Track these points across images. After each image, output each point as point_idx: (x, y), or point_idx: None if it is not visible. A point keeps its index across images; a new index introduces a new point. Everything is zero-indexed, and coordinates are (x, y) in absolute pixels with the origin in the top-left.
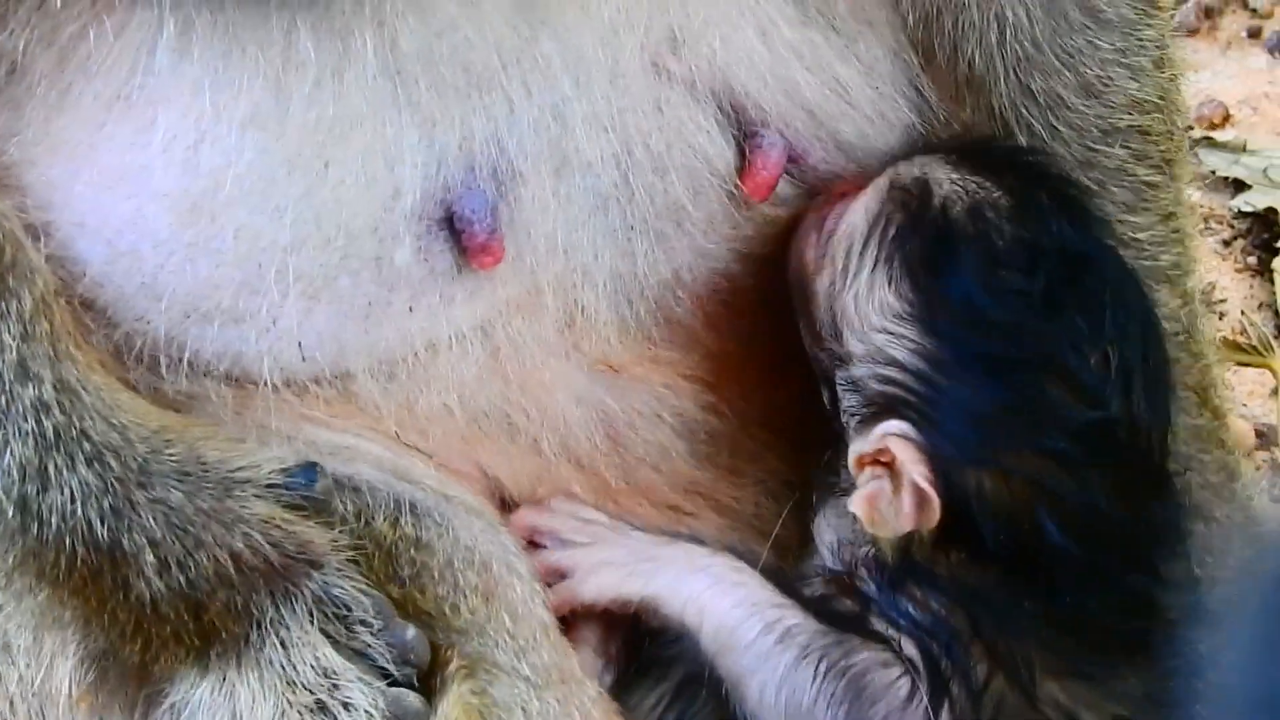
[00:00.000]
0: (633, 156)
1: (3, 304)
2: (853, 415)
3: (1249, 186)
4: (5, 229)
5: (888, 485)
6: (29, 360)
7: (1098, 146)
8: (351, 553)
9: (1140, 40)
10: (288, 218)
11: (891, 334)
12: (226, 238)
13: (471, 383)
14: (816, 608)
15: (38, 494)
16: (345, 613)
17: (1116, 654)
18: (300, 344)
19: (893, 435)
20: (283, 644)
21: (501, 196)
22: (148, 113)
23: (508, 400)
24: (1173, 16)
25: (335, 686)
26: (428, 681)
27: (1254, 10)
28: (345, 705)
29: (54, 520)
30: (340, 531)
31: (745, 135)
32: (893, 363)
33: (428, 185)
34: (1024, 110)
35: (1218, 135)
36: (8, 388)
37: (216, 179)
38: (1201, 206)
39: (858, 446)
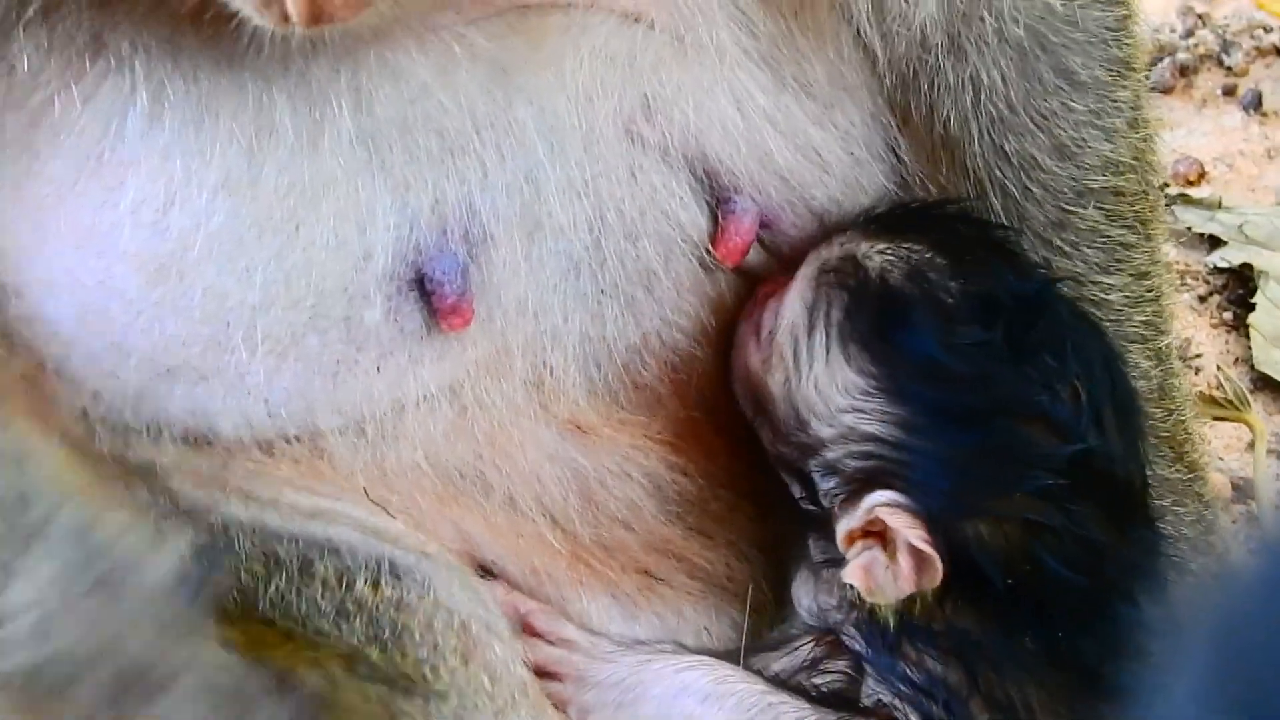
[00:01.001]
0: (605, 222)
1: None
2: (834, 496)
3: (1224, 243)
4: None
5: (880, 554)
6: None
7: (1071, 208)
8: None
9: (1114, 101)
10: (257, 278)
11: (861, 410)
12: (195, 296)
13: (441, 441)
14: (808, 690)
15: None
16: None
17: (1104, 694)
18: (267, 401)
19: (882, 506)
20: None
21: (473, 259)
22: (117, 175)
23: (480, 458)
24: (1148, 75)
25: None
26: None
27: (1229, 68)
28: None
29: None
30: (323, 597)
31: (718, 201)
32: (867, 438)
33: (399, 247)
34: (998, 171)
35: (1193, 192)
36: None
37: (185, 240)
38: (1177, 263)
39: (846, 524)
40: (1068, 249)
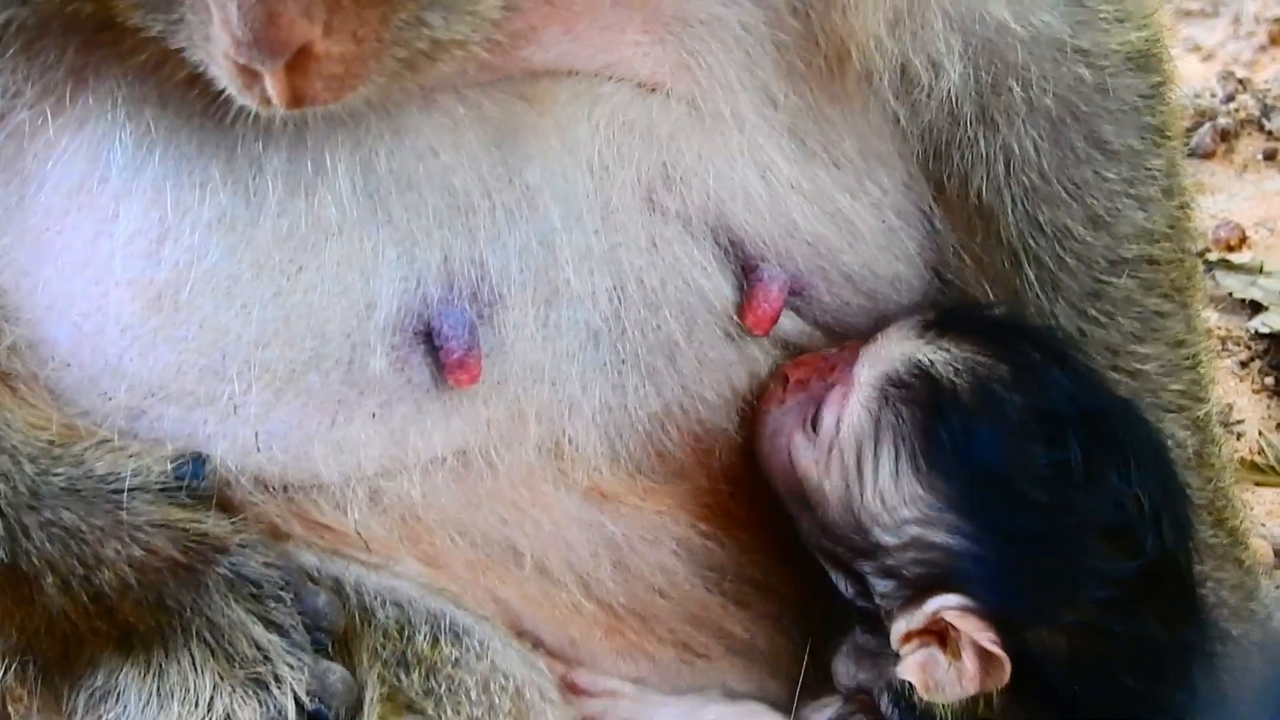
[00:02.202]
0: (625, 292)
1: None
2: (892, 597)
3: (1266, 308)
4: None
5: (940, 654)
6: None
7: (1105, 277)
8: (252, 534)
9: (1149, 170)
10: (254, 315)
11: (929, 523)
12: (191, 327)
13: (461, 503)
14: None
15: None
16: (258, 589)
17: None
18: (257, 434)
19: (950, 610)
20: (209, 625)
21: (481, 317)
22: (110, 205)
23: (505, 523)
24: (1188, 140)
25: (266, 659)
26: None
27: (1269, 133)
28: (276, 678)
29: None
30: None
31: (744, 269)
32: (933, 547)
33: (406, 299)
34: (1031, 241)
35: (1234, 257)
36: None
37: (181, 273)
38: (1218, 328)
39: (905, 624)
40: (1103, 319)
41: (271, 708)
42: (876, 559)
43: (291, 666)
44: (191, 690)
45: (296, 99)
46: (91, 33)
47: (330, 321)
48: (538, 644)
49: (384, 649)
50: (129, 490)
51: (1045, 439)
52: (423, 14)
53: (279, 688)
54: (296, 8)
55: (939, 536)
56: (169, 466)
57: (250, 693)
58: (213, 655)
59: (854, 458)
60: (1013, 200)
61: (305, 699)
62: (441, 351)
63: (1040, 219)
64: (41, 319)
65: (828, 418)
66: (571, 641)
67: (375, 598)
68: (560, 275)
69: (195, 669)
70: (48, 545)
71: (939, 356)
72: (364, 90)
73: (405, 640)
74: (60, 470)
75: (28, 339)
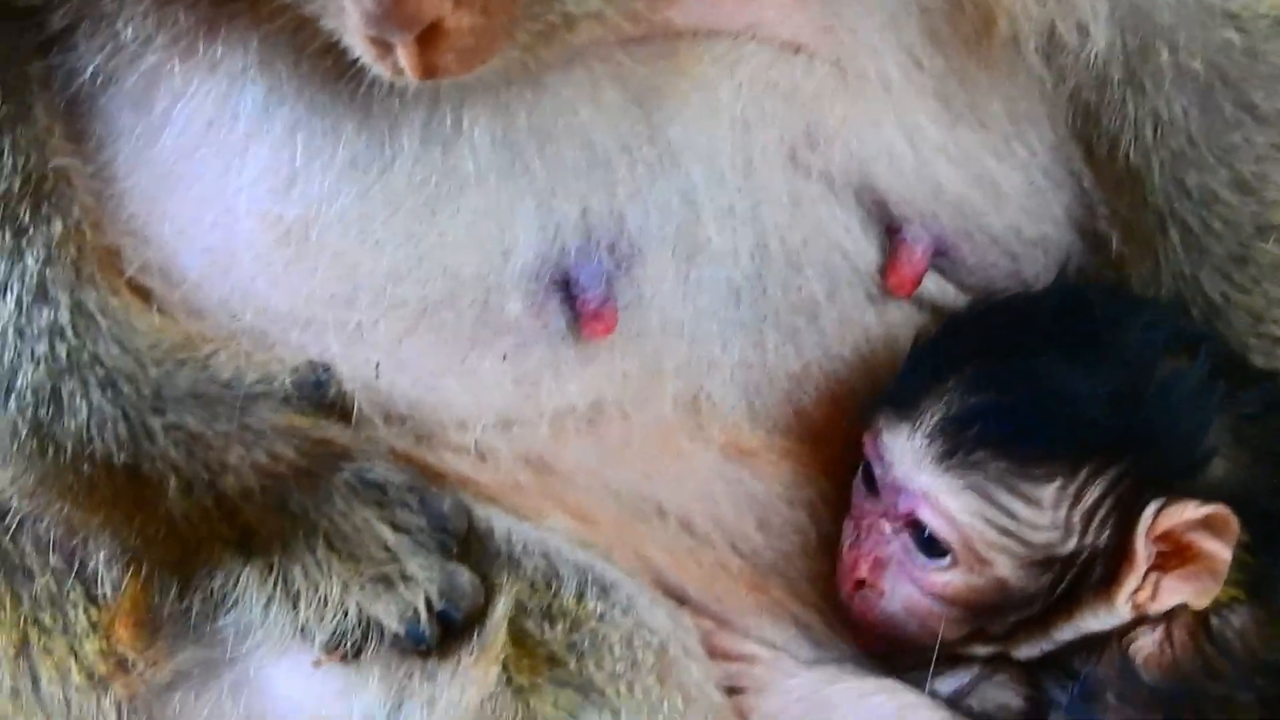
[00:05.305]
0: (767, 250)
1: (33, 228)
2: (1095, 585)
3: None
4: (55, 165)
5: (1174, 570)
6: (49, 284)
7: (1252, 243)
8: (375, 441)
9: None
10: (386, 252)
11: (1079, 494)
12: (323, 260)
13: (599, 455)
14: (985, 717)
15: (52, 419)
16: (383, 494)
17: None
18: (379, 363)
19: (1149, 528)
20: (333, 526)
21: (619, 269)
22: (240, 144)
23: (647, 478)
24: None
25: (394, 559)
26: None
27: None
28: (404, 577)
29: (69, 445)
30: (530, 598)
31: (888, 231)
32: (1098, 504)
33: (543, 248)
34: (1178, 205)
35: None
36: (25, 311)
37: (311, 212)
38: None
39: (1131, 583)
40: (1247, 284)
41: (404, 605)
42: (1075, 560)
43: (421, 566)
44: (319, 591)
45: (428, 71)
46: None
47: (466, 265)
48: (683, 600)
49: (530, 600)
50: (253, 396)
51: (1066, 342)
52: None
53: (409, 586)
54: None
55: (1094, 492)
56: (293, 375)
57: (381, 591)
58: (339, 557)
59: (994, 531)
60: (1160, 164)
61: (436, 598)
62: (578, 301)
63: (1187, 183)
64: (173, 244)
65: (939, 533)
66: (717, 599)
67: (522, 548)
68: (701, 232)
69: (321, 571)
70: (171, 449)
71: (952, 397)
72: (497, 61)
73: (552, 593)
74: (185, 374)
75: (159, 262)
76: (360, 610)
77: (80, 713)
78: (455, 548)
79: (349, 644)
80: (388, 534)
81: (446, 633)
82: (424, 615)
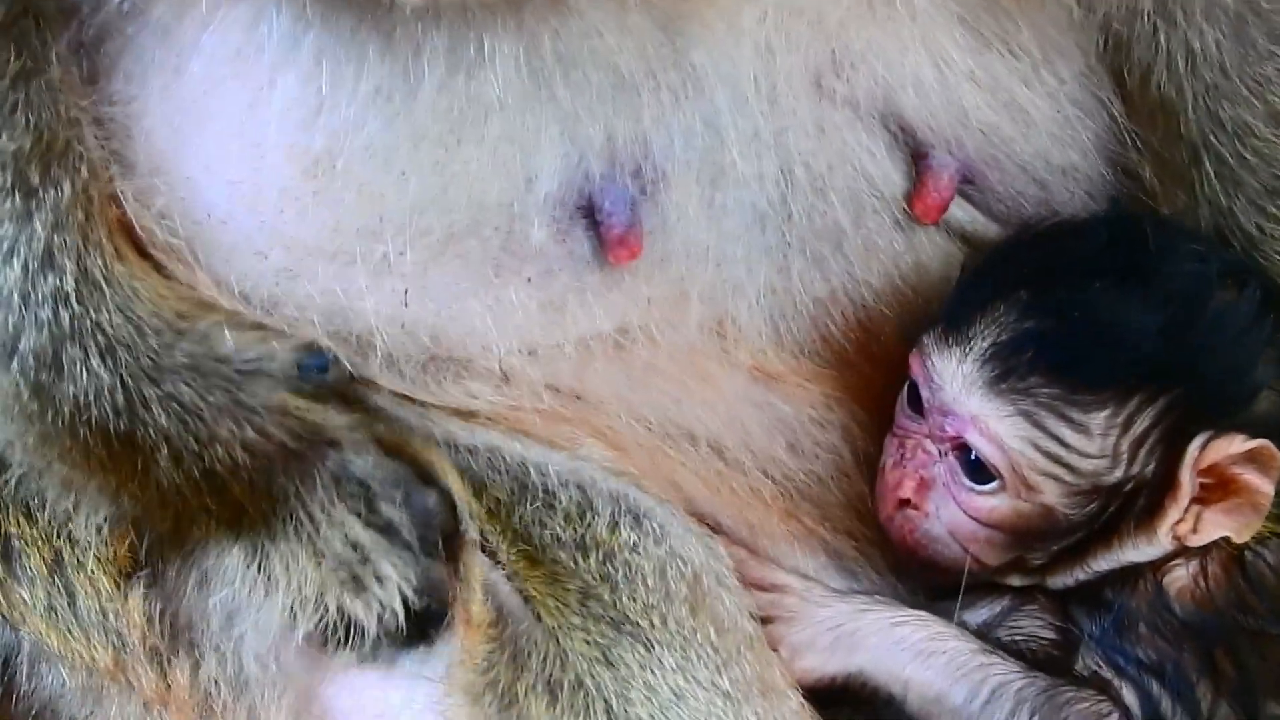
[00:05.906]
0: (792, 175)
1: (42, 191)
2: (1138, 516)
3: None
4: (68, 118)
5: (1217, 504)
6: (56, 250)
7: None
8: (367, 432)
9: None
10: (411, 182)
11: (1129, 422)
12: (349, 191)
13: (628, 380)
14: (1015, 648)
15: (52, 382)
16: (365, 489)
17: None
18: (408, 290)
19: (1195, 461)
20: (310, 520)
21: (644, 194)
22: (266, 75)
23: (678, 403)
24: None
25: (365, 560)
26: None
27: None
28: (378, 578)
29: (67, 410)
30: (563, 529)
31: (915, 157)
32: (1146, 435)
33: (567, 174)
34: (1212, 137)
35: None
36: (31, 277)
37: (337, 142)
38: None
39: (1173, 514)
40: None
41: (379, 604)
42: (1119, 491)
43: (395, 565)
44: (294, 582)
45: None
46: None
47: (490, 193)
48: (716, 528)
49: (564, 531)
50: (250, 373)
51: (1116, 272)
52: None
53: (383, 586)
54: None
55: (1143, 422)
56: (295, 355)
57: (358, 590)
58: (314, 550)
59: (1043, 457)
60: (1194, 96)
61: (413, 596)
62: (603, 227)
63: (1221, 115)
64: (198, 178)
65: (987, 458)
66: (749, 526)
67: (557, 479)
68: (726, 157)
69: (297, 560)
70: (164, 419)
71: (1004, 322)
72: None
73: (585, 524)
74: (183, 345)
75: (182, 200)
76: (340, 608)
77: (114, 622)
78: (439, 542)
79: (332, 638)
80: (362, 534)
81: (430, 622)
82: (400, 614)
